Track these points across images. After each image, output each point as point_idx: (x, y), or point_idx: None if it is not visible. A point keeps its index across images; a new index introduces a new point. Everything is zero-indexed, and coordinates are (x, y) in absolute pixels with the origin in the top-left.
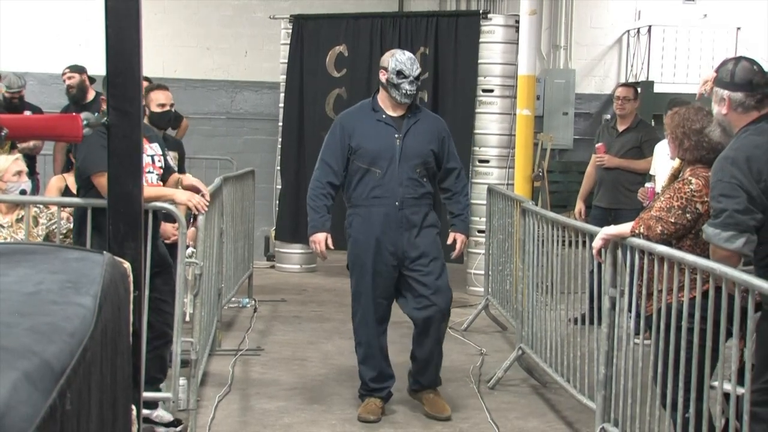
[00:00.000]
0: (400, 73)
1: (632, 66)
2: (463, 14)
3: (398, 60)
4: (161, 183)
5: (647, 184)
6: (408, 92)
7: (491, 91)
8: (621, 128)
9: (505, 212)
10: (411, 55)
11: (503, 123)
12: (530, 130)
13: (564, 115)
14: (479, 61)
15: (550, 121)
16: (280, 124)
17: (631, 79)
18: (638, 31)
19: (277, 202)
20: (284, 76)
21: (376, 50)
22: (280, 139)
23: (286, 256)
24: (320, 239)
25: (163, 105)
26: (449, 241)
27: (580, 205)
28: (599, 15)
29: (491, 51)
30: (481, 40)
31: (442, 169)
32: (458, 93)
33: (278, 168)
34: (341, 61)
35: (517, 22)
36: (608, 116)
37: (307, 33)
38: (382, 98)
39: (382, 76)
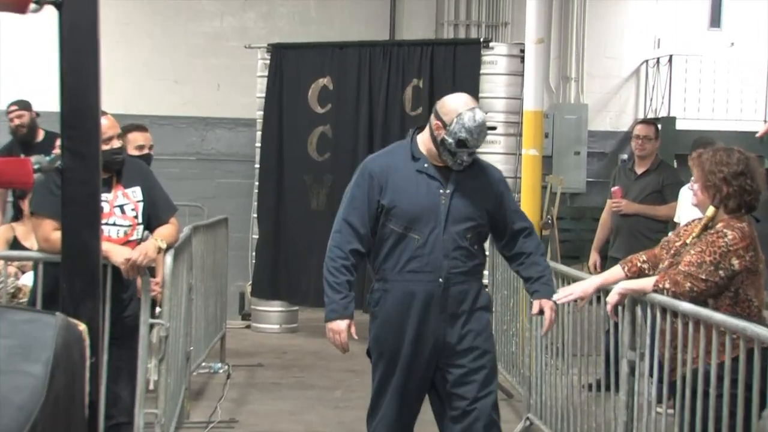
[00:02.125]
0: (461, 143)
1: (651, 100)
2: (461, 42)
3: (466, 126)
4: (138, 239)
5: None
6: (464, 162)
7: (494, 128)
8: (640, 170)
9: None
10: (483, 118)
11: (507, 164)
12: (538, 172)
13: (576, 155)
14: (480, 95)
15: (560, 161)
16: (257, 166)
17: (651, 115)
18: (658, 61)
19: (254, 253)
20: (261, 112)
21: (364, 82)
22: (256, 183)
23: (263, 315)
24: (341, 328)
25: (141, 147)
26: (534, 311)
27: (594, 257)
28: (614, 43)
29: (493, 84)
30: (482, 71)
31: (506, 234)
32: None
33: (255, 215)
34: (325, 95)
35: (522, 51)
36: (625, 157)
37: (287, 64)
38: (425, 142)
39: (438, 131)
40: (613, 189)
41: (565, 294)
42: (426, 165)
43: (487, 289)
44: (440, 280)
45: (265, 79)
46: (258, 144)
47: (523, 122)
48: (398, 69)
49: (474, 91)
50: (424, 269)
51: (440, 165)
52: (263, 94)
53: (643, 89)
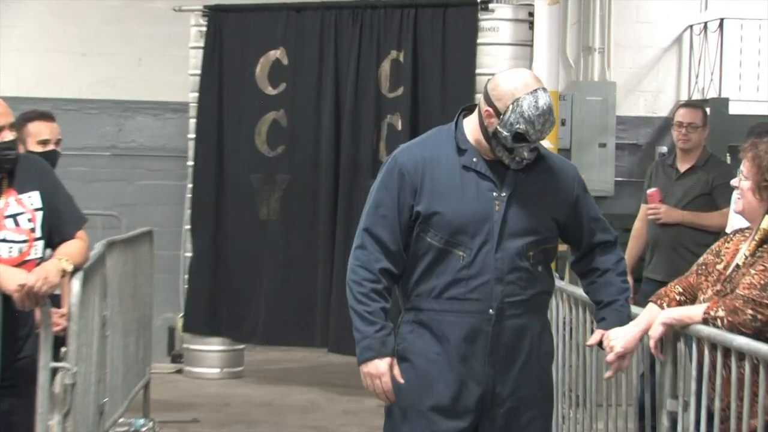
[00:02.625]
0: (520, 137)
1: (698, 77)
2: (453, 4)
3: (525, 116)
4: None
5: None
6: (525, 160)
7: None
8: (683, 167)
9: None
10: (547, 103)
11: None
12: None
13: (601, 147)
14: (477, 70)
15: (580, 156)
16: (190, 163)
17: (697, 96)
18: (705, 27)
19: (186, 277)
20: (195, 95)
21: (328, 56)
22: (189, 186)
23: (199, 356)
24: (382, 370)
25: (45, 141)
26: (591, 341)
27: None
28: (649, 5)
29: (494, 57)
30: (479, 41)
31: (582, 249)
32: (447, 117)
33: (187, 227)
34: (278, 72)
35: (532, 15)
36: (665, 150)
37: (229, 32)
38: (473, 130)
39: (489, 120)
40: (649, 191)
41: (607, 347)
42: (475, 159)
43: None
44: (491, 311)
45: (201, 52)
46: (191, 135)
47: None
48: (372, 38)
49: (469, 66)
50: (470, 297)
51: (493, 159)
52: (198, 71)
53: (687, 63)
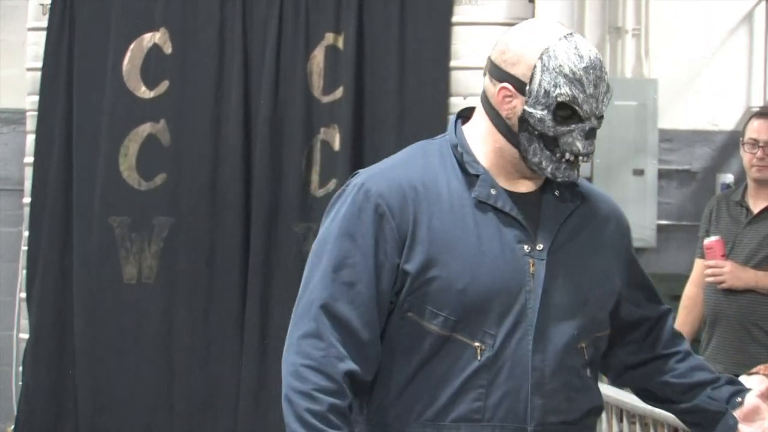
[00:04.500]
0: (566, 111)
1: None
2: None
3: (566, 69)
4: None
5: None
6: (580, 160)
7: None
8: (758, 206)
9: None
10: (596, 53)
11: None
12: None
13: (637, 175)
14: (452, 62)
15: (606, 187)
16: (27, 200)
17: None
18: None
19: (21, 369)
20: (35, 99)
21: (233, 42)
22: (26, 234)
23: None
24: None
25: None
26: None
27: None
28: None
29: (477, 42)
30: (454, 19)
31: (638, 330)
32: (407, 132)
33: (23, 295)
34: (157, 65)
35: None
36: (730, 179)
37: (84, 9)
38: (482, 142)
39: (508, 104)
40: (707, 242)
41: None
42: (494, 191)
43: None
44: None
45: (43, 36)
46: (28, 159)
47: None
48: (298, 15)
49: (442, 54)
50: (491, 417)
51: (523, 192)
52: (39, 64)
53: (762, 51)
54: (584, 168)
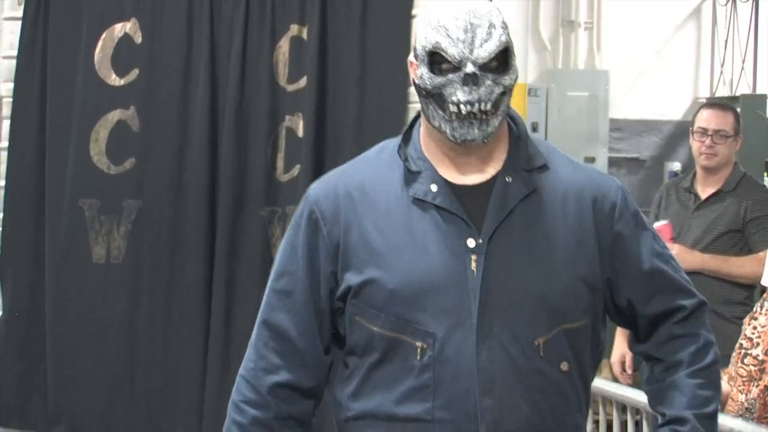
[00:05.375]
0: (435, 60)
1: (723, 65)
2: None
3: (434, 23)
4: None
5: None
6: (471, 110)
7: None
8: (705, 192)
9: None
10: (475, 6)
11: None
12: None
13: (588, 162)
14: (410, 55)
15: None
16: (2, 183)
17: (723, 93)
18: None
19: None
20: (10, 85)
21: (201, 32)
22: (0, 215)
23: None
24: None
25: None
26: None
27: (621, 349)
28: None
29: None
30: (414, 11)
31: (637, 323)
32: (369, 120)
33: None
34: (128, 53)
35: None
36: (677, 167)
37: None
38: (426, 139)
39: (414, 75)
40: (657, 226)
41: None
42: (434, 187)
43: None
44: None
45: (18, 25)
46: (3, 143)
47: None
48: (264, 7)
49: (401, 46)
50: (440, 416)
51: (469, 185)
52: (13, 53)
53: (709, 45)
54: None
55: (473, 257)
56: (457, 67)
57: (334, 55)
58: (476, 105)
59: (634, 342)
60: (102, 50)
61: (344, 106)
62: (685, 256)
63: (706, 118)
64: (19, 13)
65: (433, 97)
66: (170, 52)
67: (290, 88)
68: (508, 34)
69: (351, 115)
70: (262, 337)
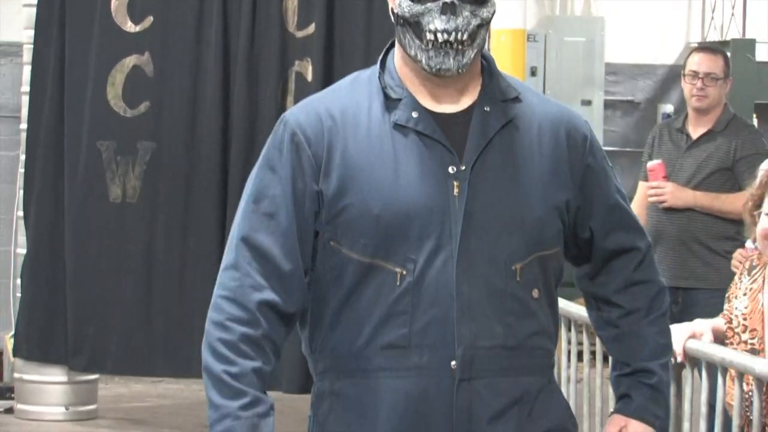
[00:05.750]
0: None
1: (714, 11)
2: None
3: None
4: None
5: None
6: (448, 39)
7: None
8: (697, 132)
9: None
10: None
11: None
12: None
13: (585, 105)
14: None
15: None
16: (23, 126)
17: (714, 37)
18: None
19: (18, 282)
20: (30, 32)
21: None
22: (22, 157)
23: (37, 390)
24: None
25: None
26: None
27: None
28: None
29: None
30: None
31: (592, 257)
32: (374, 60)
33: (19, 214)
34: (142, 1)
35: None
36: (670, 109)
37: None
38: (403, 68)
39: (391, 2)
40: (649, 165)
41: None
42: (415, 114)
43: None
44: (453, 365)
45: None
46: (25, 88)
47: (492, 48)
48: None
49: None
50: (417, 342)
51: (447, 113)
52: (33, 1)
53: None
54: None
55: (456, 183)
56: None
57: (342, 2)
58: (453, 34)
59: (584, 280)
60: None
61: (351, 50)
62: (679, 194)
63: (697, 62)
64: None
65: (411, 25)
66: (183, 0)
67: (299, 34)
68: None
69: (358, 59)
70: (245, 257)
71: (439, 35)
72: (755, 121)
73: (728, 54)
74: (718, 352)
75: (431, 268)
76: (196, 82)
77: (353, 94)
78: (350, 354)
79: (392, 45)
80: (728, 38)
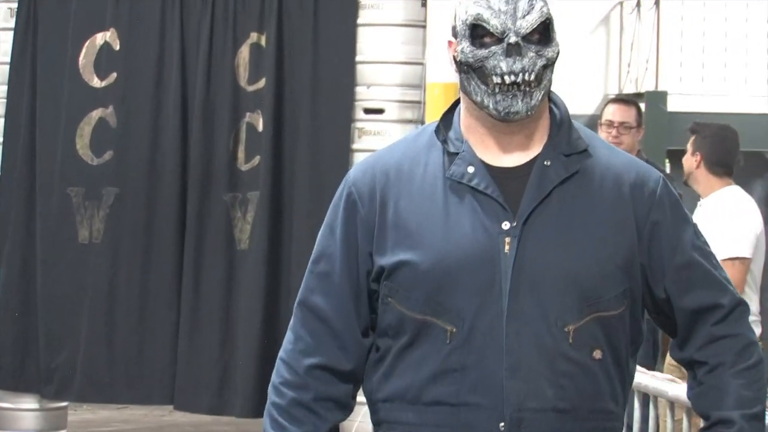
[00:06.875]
0: (477, 33)
1: (629, 65)
2: None
3: None
4: None
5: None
6: (515, 81)
7: (380, 111)
8: None
9: None
10: None
11: None
12: None
13: None
14: (357, 57)
15: None
16: None
17: (629, 89)
18: (639, 4)
19: None
20: (4, 88)
21: (171, 39)
22: None
23: (9, 416)
24: None
25: None
26: None
27: None
28: None
29: (378, 40)
30: (359, 21)
31: (674, 318)
32: (320, 116)
33: None
34: (108, 59)
35: None
36: None
37: (47, 9)
38: (467, 119)
39: (453, 53)
40: None
41: None
42: (471, 169)
43: None
44: (501, 426)
45: (10, 35)
46: None
47: (425, 102)
48: (228, 18)
49: (347, 51)
50: (467, 400)
51: (507, 167)
52: (7, 59)
53: (617, 48)
54: None
55: (507, 239)
56: (499, 38)
57: (290, 59)
58: (520, 75)
59: (675, 350)
60: (85, 56)
61: (299, 103)
62: None
63: (612, 112)
64: (11, 24)
65: (475, 71)
66: (145, 57)
67: (250, 88)
68: (548, 7)
69: (305, 112)
70: (300, 319)
71: (506, 77)
72: (667, 167)
73: (641, 105)
74: None
75: (480, 325)
76: (155, 132)
77: (413, 148)
78: (402, 409)
79: (458, 102)
80: (643, 90)
